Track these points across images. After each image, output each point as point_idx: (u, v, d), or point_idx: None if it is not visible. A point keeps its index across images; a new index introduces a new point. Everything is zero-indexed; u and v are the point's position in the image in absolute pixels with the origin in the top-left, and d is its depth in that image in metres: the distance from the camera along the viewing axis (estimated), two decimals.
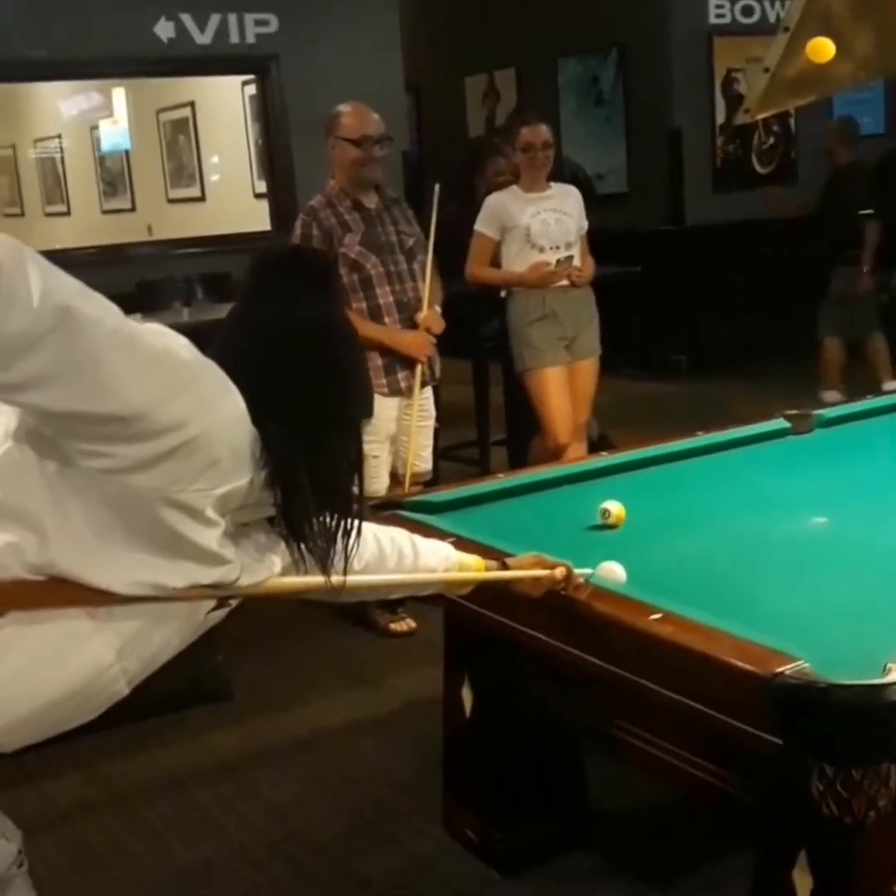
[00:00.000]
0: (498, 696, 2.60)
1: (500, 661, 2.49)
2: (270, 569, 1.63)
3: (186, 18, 6.64)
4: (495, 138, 6.89)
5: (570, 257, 4.80)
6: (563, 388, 4.81)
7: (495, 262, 4.85)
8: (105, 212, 10.68)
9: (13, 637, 1.44)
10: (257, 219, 7.52)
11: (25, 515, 1.41)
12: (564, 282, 4.79)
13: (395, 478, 4.16)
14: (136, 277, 6.32)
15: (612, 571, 2.11)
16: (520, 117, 5.63)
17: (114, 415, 1.33)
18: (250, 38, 6.84)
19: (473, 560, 2.06)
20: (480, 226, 4.82)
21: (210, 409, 1.42)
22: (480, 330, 5.57)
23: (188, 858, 2.83)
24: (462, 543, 2.18)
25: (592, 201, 5.20)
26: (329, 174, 4.14)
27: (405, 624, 4.10)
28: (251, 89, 7.78)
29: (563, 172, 7.92)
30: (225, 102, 8.63)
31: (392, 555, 1.93)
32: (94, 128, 10.27)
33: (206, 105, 9.05)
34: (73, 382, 1.29)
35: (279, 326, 1.55)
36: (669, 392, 7.88)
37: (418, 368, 4.09)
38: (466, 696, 2.65)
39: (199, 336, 1.49)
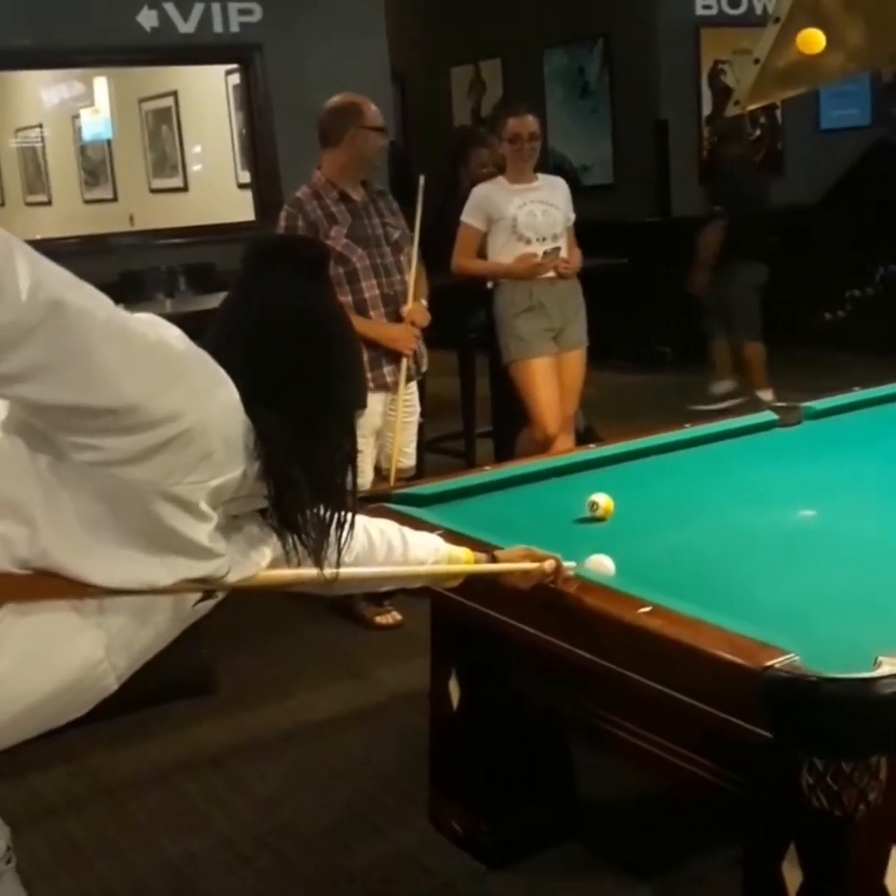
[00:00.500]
0: (486, 689, 2.60)
1: (488, 654, 2.49)
2: (261, 562, 1.61)
3: (170, 7, 6.61)
4: (481, 129, 6.87)
5: (557, 249, 4.79)
6: (551, 378, 4.81)
7: (482, 254, 4.84)
8: (87, 202, 10.62)
9: (1, 637, 1.42)
10: (241, 209, 7.49)
11: (16, 508, 1.39)
12: (551, 273, 4.78)
13: (379, 472, 4.16)
14: (118, 268, 6.27)
15: (601, 564, 2.10)
16: (507, 108, 5.61)
17: (106, 407, 1.31)
18: (234, 28, 6.80)
19: (463, 552, 2.05)
20: (467, 217, 4.80)
21: (204, 399, 1.40)
22: (466, 321, 5.56)
23: (174, 852, 2.83)
24: (450, 536, 2.17)
25: (578, 193, 5.19)
26: (315, 164, 4.10)
27: (391, 617, 4.10)
28: (235, 79, 7.72)
29: (548, 164, 7.92)
30: (208, 92, 8.57)
31: (382, 547, 1.92)
32: (76, 117, 10.18)
33: (189, 94, 8.99)
34: (65, 375, 1.27)
35: (273, 315, 1.54)
36: (656, 384, 7.89)
37: (403, 363, 4.07)
38: (454, 688, 2.65)
39: (182, 327, 1.47)
